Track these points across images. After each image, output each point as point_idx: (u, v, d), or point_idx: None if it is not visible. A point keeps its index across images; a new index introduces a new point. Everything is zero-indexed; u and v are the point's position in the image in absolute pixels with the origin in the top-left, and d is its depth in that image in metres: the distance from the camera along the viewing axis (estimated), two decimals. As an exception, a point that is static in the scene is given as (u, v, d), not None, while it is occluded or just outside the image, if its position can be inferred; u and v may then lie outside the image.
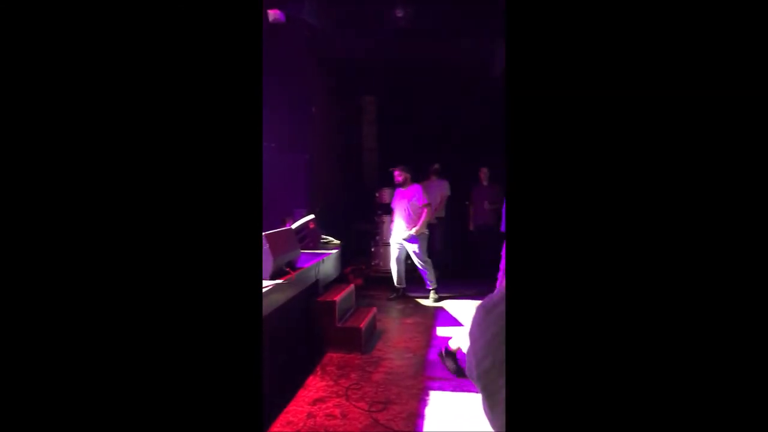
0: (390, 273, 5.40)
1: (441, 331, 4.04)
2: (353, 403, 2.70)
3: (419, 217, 4.94)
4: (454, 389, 2.85)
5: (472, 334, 0.43)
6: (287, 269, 3.03)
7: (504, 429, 0.38)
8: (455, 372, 3.06)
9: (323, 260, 3.76)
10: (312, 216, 4.24)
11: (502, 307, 0.40)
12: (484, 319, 0.41)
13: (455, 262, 6.39)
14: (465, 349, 3.17)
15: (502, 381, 0.37)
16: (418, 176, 5.40)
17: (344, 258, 5.19)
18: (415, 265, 5.12)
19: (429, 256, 5.11)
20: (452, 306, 4.84)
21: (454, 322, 4.25)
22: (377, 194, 6.32)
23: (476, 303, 0.45)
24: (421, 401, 2.71)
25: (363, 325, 3.58)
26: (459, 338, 3.18)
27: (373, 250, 6.11)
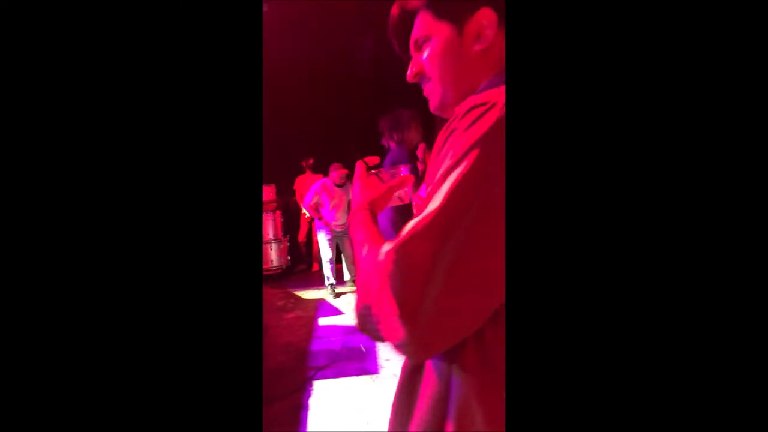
0: (270, 271, 5.35)
1: (322, 321, 4.12)
2: (235, 405, 2.66)
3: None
4: (336, 376, 2.95)
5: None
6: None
7: None
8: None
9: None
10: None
11: (414, 380, 0.40)
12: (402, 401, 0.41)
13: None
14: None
15: None
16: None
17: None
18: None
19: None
20: (332, 297, 4.95)
21: (335, 312, 4.37)
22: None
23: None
24: (305, 393, 2.77)
25: (242, 325, 3.52)
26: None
27: (250, 248, 5.94)
